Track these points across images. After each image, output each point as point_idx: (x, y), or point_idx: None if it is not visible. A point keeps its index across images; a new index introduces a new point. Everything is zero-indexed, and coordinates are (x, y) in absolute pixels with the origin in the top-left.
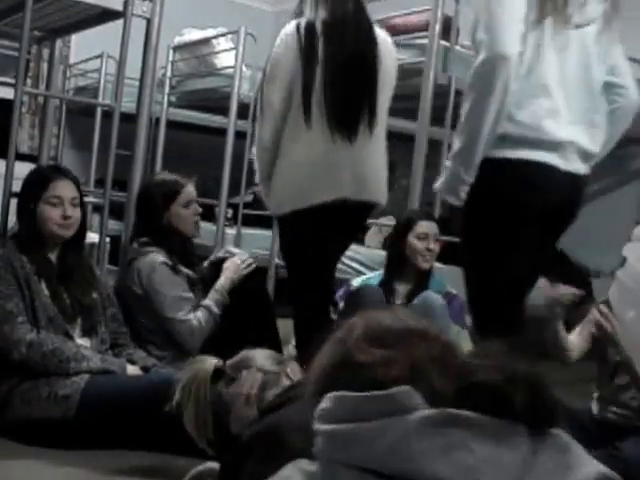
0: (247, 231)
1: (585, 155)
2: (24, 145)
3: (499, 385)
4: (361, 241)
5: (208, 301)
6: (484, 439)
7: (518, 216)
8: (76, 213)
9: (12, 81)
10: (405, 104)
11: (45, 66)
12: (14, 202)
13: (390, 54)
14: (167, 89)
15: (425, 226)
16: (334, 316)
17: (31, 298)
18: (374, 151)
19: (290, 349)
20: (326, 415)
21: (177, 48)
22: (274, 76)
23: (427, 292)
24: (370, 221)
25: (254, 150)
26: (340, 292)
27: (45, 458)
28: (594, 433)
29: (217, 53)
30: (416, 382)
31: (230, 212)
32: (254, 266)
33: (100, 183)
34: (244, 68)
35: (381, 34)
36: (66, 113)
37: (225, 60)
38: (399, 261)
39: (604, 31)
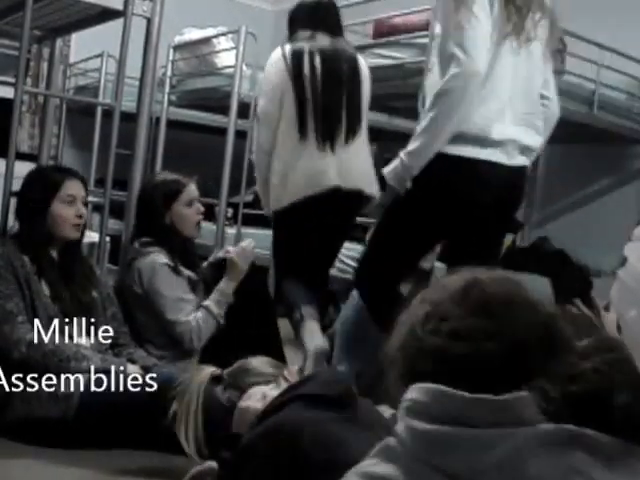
0: (247, 231)
1: (525, 150)
2: (24, 144)
3: (608, 395)
4: (362, 240)
5: (208, 302)
6: (604, 464)
7: (466, 208)
8: (86, 212)
9: (12, 80)
10: (405, 103)
11: (45, 65)
12: (14, 202)
13: (366, 71)
14: (167, 88)
15: None
16: (335, 317)
17: (31, 298)
18: (359, 151)
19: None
20: (419, 410)
21: (177, 47)
22: (267, 90)
23: None
24: (371, 221)
25: (254, 155)
26: (341, 291)
27: (45, 458)
28: None
29: (217, 52)
30: (517, 364)
31: (230, 212)
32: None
33: (100, 182)
34: (244, 67)
35: (359, 58)
36: (66, 112)
37: (225, 59)
38: None
39: (545, 49)
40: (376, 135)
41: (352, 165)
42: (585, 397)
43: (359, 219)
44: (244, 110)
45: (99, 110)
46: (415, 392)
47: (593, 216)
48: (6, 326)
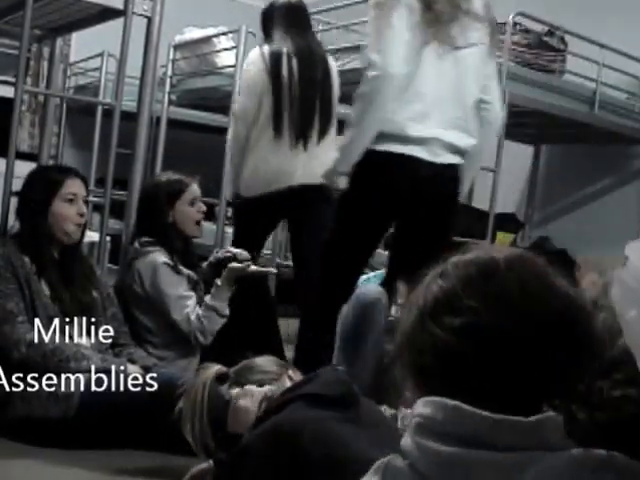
0: None
1: (452, 148)
2: (24, 144)
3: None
4: None
5: (206, 298)
6: None
7: (392, 199)
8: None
9: (12, 80)
10: None
11: (45, 65)
12: (14, 201)
13: (335, 72)
14: (168, 88)
15: None
16: None
17: (31, 298)
18: (328, 149)
19: None
20: (432, 428)
21: (178, 47)
22: (247, 87)
23: None
24: None
25: (228, 147)
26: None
27: (45, 458)
28: None
29: (218, 52)
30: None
31: (230, 211)
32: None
33: (100, 182)
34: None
35: (329, 59)
36: (66, 112)
37: (226, 59)
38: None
39: (482, 55)
40: None
41: (321, 162)
42: (615, 424)
43: None
44: None
45: (99, 109)
46: (428, 407)
47: (593, 216)
48: (6, 326)
